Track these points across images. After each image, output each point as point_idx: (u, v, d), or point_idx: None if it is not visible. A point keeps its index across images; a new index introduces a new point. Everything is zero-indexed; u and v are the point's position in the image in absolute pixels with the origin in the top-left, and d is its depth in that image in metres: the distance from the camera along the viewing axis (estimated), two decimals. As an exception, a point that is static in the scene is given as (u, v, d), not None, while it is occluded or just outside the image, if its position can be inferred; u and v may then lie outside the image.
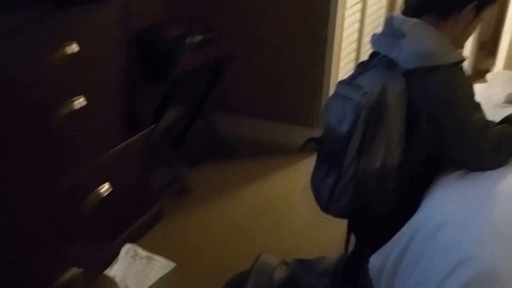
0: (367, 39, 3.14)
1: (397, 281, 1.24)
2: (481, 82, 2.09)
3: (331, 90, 2.73)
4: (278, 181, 2.57)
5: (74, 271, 1.50)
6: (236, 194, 2.45)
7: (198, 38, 2.34)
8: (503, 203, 1.21)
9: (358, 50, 3.19)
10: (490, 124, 1.39)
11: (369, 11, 3.19)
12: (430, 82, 1.33)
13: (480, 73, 3.89)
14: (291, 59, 2.76)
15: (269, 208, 2.35)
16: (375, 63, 1.45)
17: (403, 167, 1.37)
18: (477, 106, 1.39)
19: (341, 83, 1.52)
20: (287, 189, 2.49)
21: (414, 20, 1.42)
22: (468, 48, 3.98)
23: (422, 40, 1.38)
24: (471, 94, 1.39)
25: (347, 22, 2.84)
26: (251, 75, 2.85)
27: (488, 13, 1.49)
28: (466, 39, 1.52)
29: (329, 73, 2.73)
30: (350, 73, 1.55)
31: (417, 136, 1.36)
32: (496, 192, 1.26)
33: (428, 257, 1.15)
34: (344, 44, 2.84)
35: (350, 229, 1.62)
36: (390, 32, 1.45)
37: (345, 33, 2.82)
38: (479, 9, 1.42)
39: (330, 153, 1.48)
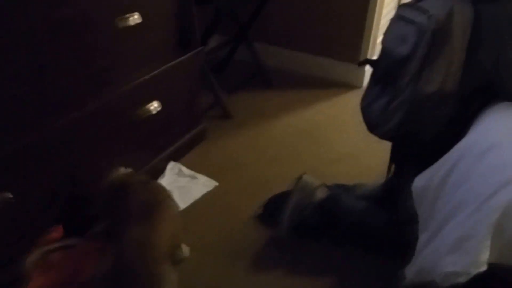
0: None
1: (440, 200, 1.28)
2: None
3: (375, 26, 2.71)
4: (317, 112, 2.61)
5: (122, 170, 1.56)
6: (275, 122, 2.50)
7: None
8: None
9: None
10: None
11: None
12: (501, 9, 1.32)
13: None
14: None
15: (308, 136, 2.40)
16: None
17: (459, 93, 1.39)
18: None
19: (404, 6, 1.52)
20: (325, 120, 2.54)
21: None
22: None
23: None
24: None
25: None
26: (295, 7, 2.83)
27: None
28: None
29: (374, 9, 2.69)
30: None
31: (477, 63, 1.37)
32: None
33: (475, 176, 1.18)
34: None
35: (394, 155, 1.67)
36: None
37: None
38: None
39: (386, 74, 1.50)
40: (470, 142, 1.29)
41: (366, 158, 2.20)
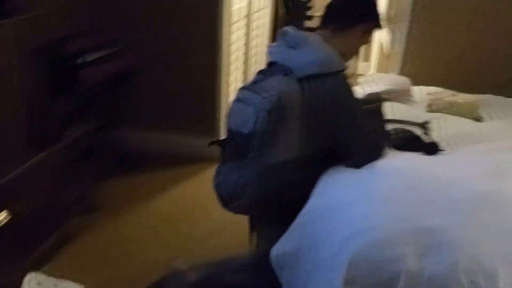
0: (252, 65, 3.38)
1: (298, 264, 1.37)
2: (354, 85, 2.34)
3: (226, 102, 2.88)
4: (186, 189, 2.64)
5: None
6: (146, 206, 2.48)
7: (101, 51, 2.33)
8: (384, 181, 1.42)
9: (245, 70, 3.38)
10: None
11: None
12: (322, 86, 1.50)
13: (357, 77, 4.28)
14: (190, 74, 2.86)
15: (180, 215, 2.41)
16: (273, 71, 1.60)
17: (303, 160, 1.52)
18: (359, 104, 1.61)
19: (242, 88, 1.65)
20: (196, 196, 2.57)
21: (306, 33, 1.62)
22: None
23: (313, 50, 1.55)
24: (355, 95, 1.61)
25: (234, 46, 3.02)
26: (155, 88, 2.90)
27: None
28: (355, 53, 1.74)
29: (223, 86, 2.87)
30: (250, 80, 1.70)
31: (314, 132, 1.52)
32: (378, 173, 1.46)
33: (323, 237, 1.29)
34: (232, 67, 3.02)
35: (252, 226, 1.74)
36: (285, 43, 1.61)
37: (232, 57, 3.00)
38: (367, 30, 1.67)
39: (233, 153, 1.59)
40: (314, 206, 1.41)
41: (234, 231, 2.25)
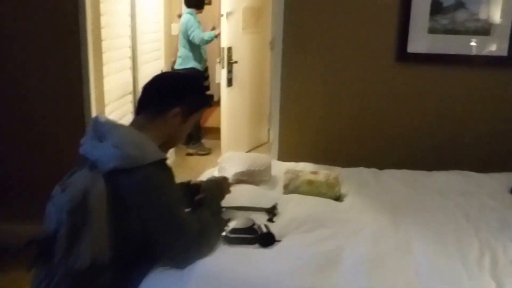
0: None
1: None
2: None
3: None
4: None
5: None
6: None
7: None
8: (198, 285, 1.34)
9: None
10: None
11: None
12: (130, 180, 1.40)
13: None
14: (61, 164, 2.69)
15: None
16: (82, 165, 1.48)
17: (116, 261, 1.40)
18: (178, 198, 1.50)
19: (58, 183, 1.51)
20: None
21: (113, 123, 1.52)
22: (253, 122, 4.34)
23: (120, 142, 1.44)
24: (171, 187, 1.51)
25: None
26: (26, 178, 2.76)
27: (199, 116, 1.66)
28: (179, 138, 1.65)
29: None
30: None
31: (126, 230, 1.41)
32: (192, 276, 1.37)
33: None
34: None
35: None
36: (93, 134, 1.51)
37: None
38: (185, 113, 1.57)
39: (42, 255, 1.44)
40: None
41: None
